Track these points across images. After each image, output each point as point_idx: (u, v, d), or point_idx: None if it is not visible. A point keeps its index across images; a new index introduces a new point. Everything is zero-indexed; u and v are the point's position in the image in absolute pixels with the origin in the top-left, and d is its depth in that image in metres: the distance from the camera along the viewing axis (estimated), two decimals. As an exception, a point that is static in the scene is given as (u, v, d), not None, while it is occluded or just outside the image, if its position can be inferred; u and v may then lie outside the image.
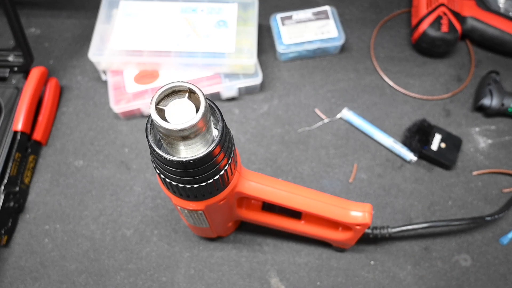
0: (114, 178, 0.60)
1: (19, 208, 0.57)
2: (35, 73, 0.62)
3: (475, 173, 0.60)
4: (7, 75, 0.62)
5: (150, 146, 0.31)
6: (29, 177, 0.60)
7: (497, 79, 0.64)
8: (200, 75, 0.63)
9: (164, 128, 0.28)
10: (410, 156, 0.59)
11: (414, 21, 0.68)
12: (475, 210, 0.57)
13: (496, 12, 0.67)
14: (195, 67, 0.63)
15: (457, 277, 0.53)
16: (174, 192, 0.37)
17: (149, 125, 0.31)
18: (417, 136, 0.59)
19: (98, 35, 0.64)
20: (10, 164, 0.56)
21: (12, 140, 0.58)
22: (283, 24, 0.68)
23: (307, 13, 0.69)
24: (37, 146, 0.62)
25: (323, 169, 0.60)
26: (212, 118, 0.33)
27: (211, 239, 0.56)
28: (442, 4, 0.65)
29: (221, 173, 0.34)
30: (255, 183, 0.42)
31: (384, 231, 0.52)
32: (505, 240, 0.55)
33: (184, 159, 0.30)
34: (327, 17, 0.69)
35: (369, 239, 0.54)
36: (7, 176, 0.56)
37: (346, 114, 0.63)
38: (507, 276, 0.53)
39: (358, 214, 0.45)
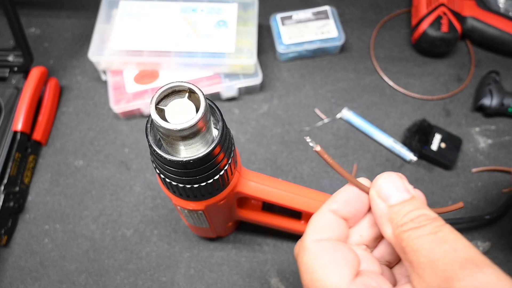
0: (114, 178, 0.60)
1: (19, 208, 0.57)
2: (35, 73, 0.62)
3: (474, 170, 0.60)
4: (7, 75, 0.62)
5: (150, 146, 0.31)
6: (29, 177, 0.59)
7: (497, 79, 0.64)
8: (200, 75, 0.63)
9: (164, 128, 0.28)
10: (410, 156, 0.59)
11: (414, 21, 0.68)
12: (475, 210, 0.57)
13: (496, 12, 0.67)
14: (195, 67, 0.63)
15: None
16: (174, 192, 0.37)
17: (149, 125, 0.31)
18: (417, 136, 0.59)
19: (98, 35, 0.64)
20: (10, 164, 0.56)
21: (12, 140, 0.58)
22: (283, 24, 0.68)
23: (307, 13, 0.69)
24: (37, 146, 0.62)
25: (323, 169, 0.60)
26: (212, 118, 0.33)
27: (211, 239, 0.56)
28: (442, 4, 0.65)
29: (221, 173, 0.34)
30: (255, 183, 0.42)
31: (384, 231, 0.52)
32: None
33: (184, 159, 0.30)
34: (327, 17, 0.69)
35: (369, 239, 0.54)
36: (7, 176, 0.56)
37: (346, 114, 0.63)
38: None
39: (358, 214, 0.45)
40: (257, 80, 0.64)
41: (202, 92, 0.29)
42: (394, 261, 0.29)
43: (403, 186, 0.26)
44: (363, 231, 0.28)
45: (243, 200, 0.49)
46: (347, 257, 0.25)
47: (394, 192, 0.26)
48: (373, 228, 0.28)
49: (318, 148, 0.27)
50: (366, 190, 0.28)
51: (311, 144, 0.27)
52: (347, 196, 0.28)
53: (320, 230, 0.26)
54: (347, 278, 0.24)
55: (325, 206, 0.28)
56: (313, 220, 0.27)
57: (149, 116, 0.29)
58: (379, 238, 0.29)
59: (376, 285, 0.25)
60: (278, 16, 0.69)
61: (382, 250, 0.29)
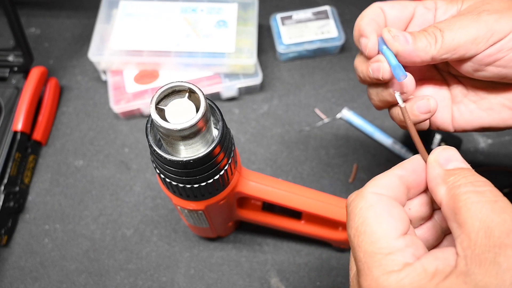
0: (114, 178, 0.60)
1: (19, 208, 0.57)
2: (35, 73, 0.62)
3: (474, 170, 0.60)
4: (7, 75, 0.62)
5: (150, 146, 0.31)
6: (29, 177, 0.59)
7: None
8: (200, 75, 0.63)
9: (164, 128, 0.28)
10: (410, 156, 0.59)
11: (414, 21, 0.68)
12: (475, 210, 0.57)
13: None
14: (195, 67, 0.63)
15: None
16: (174, 192, 0.37)
17: (149, 125, 0.31)
18: (417, 136, 0.59)
19: (98, 35, 0.64)
20: (10, 164, 0.56)
21: (12, 140, 0.58)
22: (283, 24, 0.68)
23: (307, 13, 0.69)
24: (37, 146, 0.62)
25: (323, 169, 0.60)
26: (212, 118, 0.33)
27: (211, 239, 0.56)
28: (442, 4, 0.65)
29: (221, 173, 0.34)
30: (255, 183, 0.42)
31: (384, 231, 0.52)
32: None
33: (184, 159, 0.30)
34: (327, 17, 0.69)
35: (369, 239, 0.54)
36: (7, 176, 0.56)
37: (346, 114, 0.63)
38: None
39: (358, 214, 0.44)
40: (257, 80, 0.64)
41: (202, 92, 0.29)
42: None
43: (460, 158, 0.28)
44: (413, 206, 0.29)
45: (243, 200, 0.49)
46: (402, 215, 0.26)
47: (452, 160, 0.27)
48: (423, 207, 0.29)
49: (403, 105, 0.29)
50: (425, 158, 0.29)
51: (398, 99, 0.29)
52: (415, 166, 0.29)
53: (382, 186, 0.27)
54: (398, 231, 0.25)
55: (392, 170, 0.29)
56: (377, 177, 0.28)
57: (149, 116, 0.29)
58: (424, 220, 0.30)
59: (421, 245, 0.25)
60: (278, 16, 0.69)
61: (419, 233, 0.30)
